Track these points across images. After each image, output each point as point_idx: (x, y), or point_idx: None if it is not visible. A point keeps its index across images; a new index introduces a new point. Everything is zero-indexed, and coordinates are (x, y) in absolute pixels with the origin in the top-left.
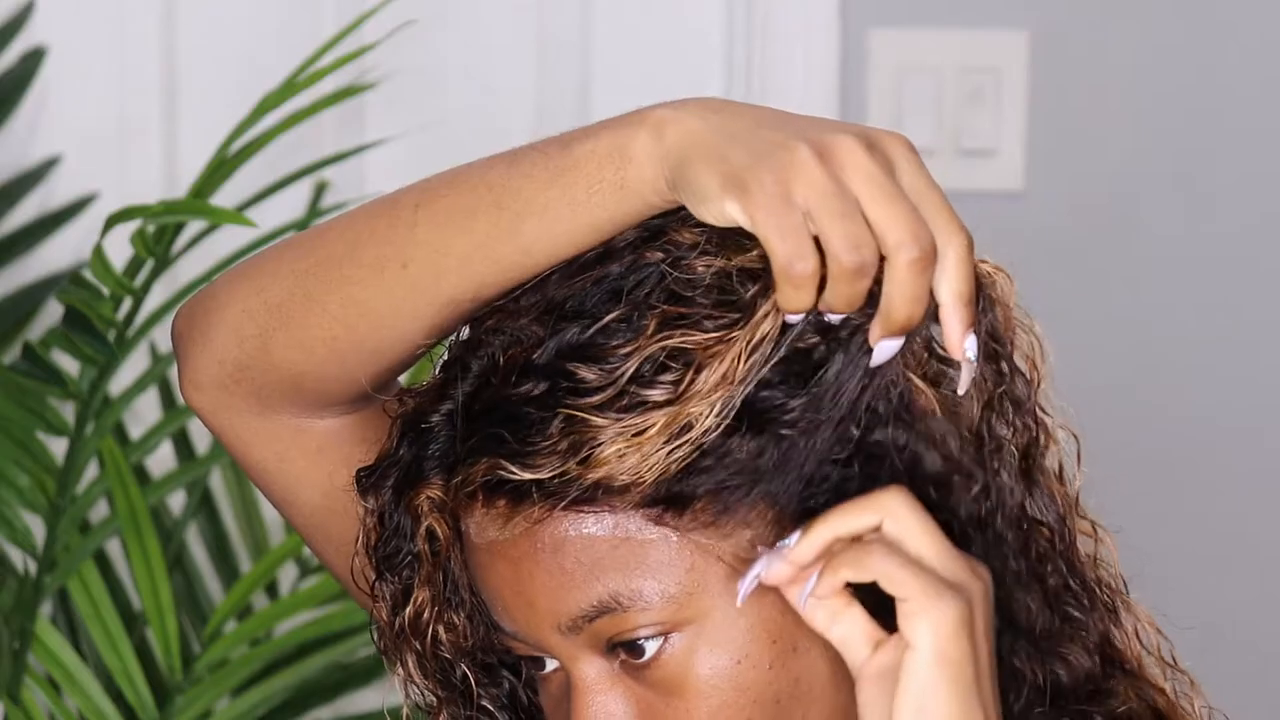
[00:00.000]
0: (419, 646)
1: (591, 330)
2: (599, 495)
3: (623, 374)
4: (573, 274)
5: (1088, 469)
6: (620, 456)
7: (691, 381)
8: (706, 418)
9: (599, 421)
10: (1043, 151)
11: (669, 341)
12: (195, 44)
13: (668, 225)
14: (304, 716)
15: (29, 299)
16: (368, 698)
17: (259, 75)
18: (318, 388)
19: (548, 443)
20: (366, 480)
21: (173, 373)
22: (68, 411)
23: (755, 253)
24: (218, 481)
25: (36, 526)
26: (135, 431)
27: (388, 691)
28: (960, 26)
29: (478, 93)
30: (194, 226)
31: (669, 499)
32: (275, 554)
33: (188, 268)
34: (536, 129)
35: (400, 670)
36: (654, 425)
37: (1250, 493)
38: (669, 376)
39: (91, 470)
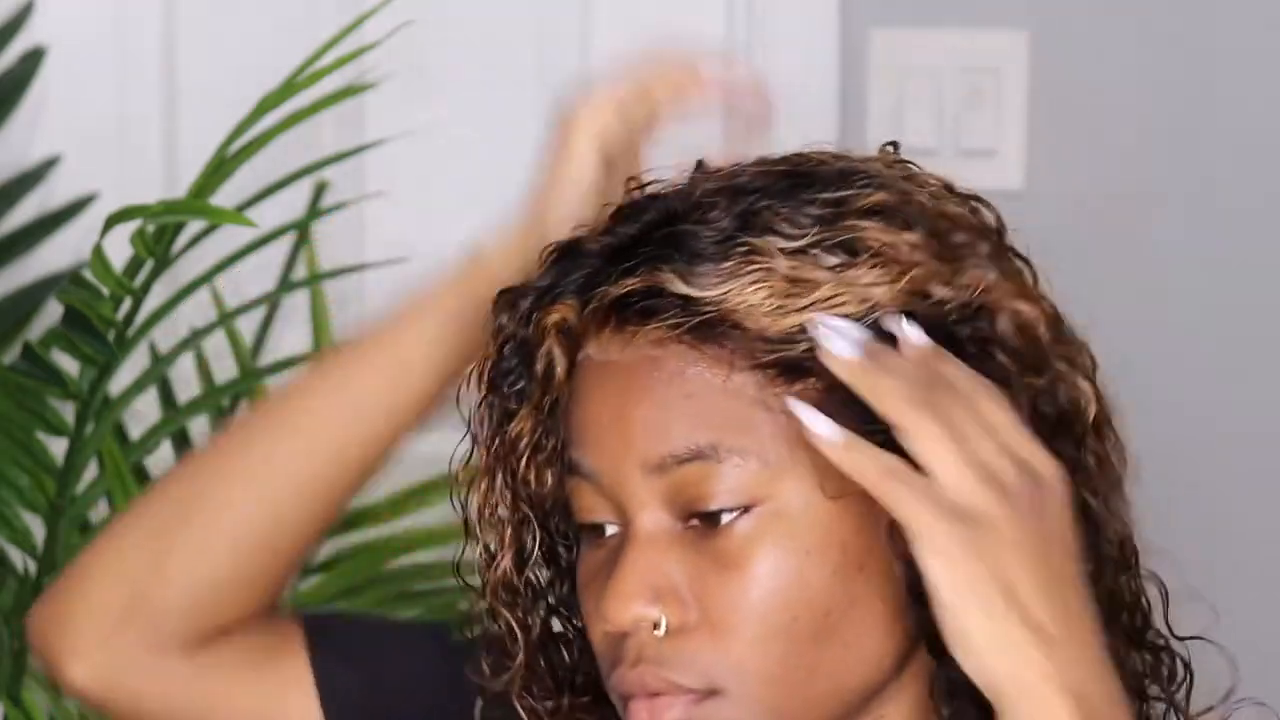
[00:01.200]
0: (511, 467)
1: (796, 197)
2: (731, 334)
3: (813, 234)
4: (755, 169)
5: None
6: (770, 299)
7: (861, 272)
8: (852, 305)
9: (774, 262)
10: (1043, 151)
11: (862, 230)
12: (195, 44)
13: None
14: None
15: (29, 299)
16: None
17: (259, 75)
18: (217, 600)
19: (717, 266)
20: (504, 297)
21: (172, 372)
22: (68, 411)
23: (955, 206)
24: None
25: (36, 526)
26: (135, 431)
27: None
28: (960, 26)
29: (478, 93)
30: (194, 226)
31: (786, 365)
32: None
33: (188, 268)
34: (536, 129)
35: (479, 501)
36: (816, 285)
37: (1252, 493)
38: (844, 256)
39: (91, 470)
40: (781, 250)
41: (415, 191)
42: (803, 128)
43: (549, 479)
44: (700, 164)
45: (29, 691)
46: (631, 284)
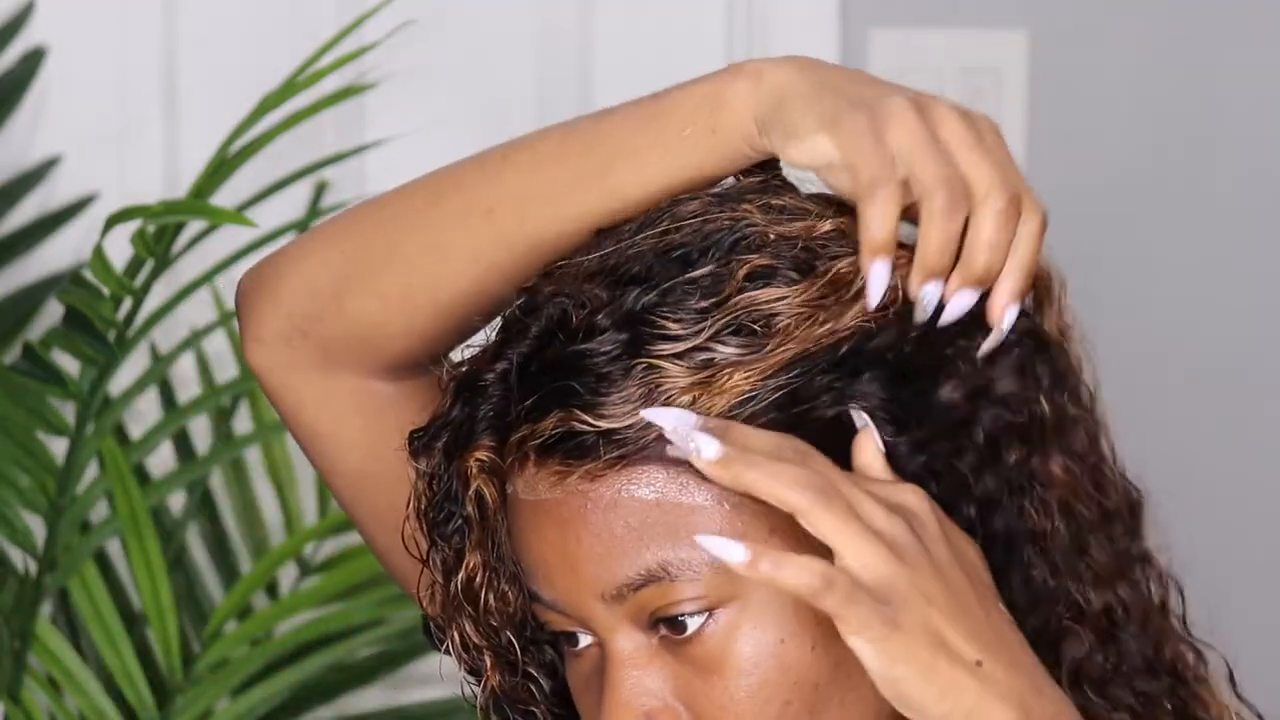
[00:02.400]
0: (472, 613)
1: (674, 282)
2: (654, 451)
3: (704, 327)
4: (628, 238)
5: None
6: (692, 406)
7: (770, 348)
8: (777, 387)
9: (675, 370)
10: (1043, 151)
11: (755, 298)
12: (195, 44)
13: (731, 194)
14: (304, 716)
15: (29, 299)
16: (368, 698)
17: (259, 75)
18: (385, 344)
19: (621, 393)
20: (418, 441)
21: (172, 372)
22: (68, 411)
23: (830, 223)
24: (218, 481)
25: (37, 526)
26: (135, 431)
27: (443, 678)
28: (960, 26)
29: (478, 93)
30: (194, 226)
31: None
32: (275, 554)
33: (188, 268)
34: (537, 128)
35: (455, 640)
36: (729, 381)
37: (1252, 490)
38: (747, 338)
39: (91, 470)
40: (678, 356)
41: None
42: None
43: (512, 598)
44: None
45: (29, 691)
46: (544, 426)
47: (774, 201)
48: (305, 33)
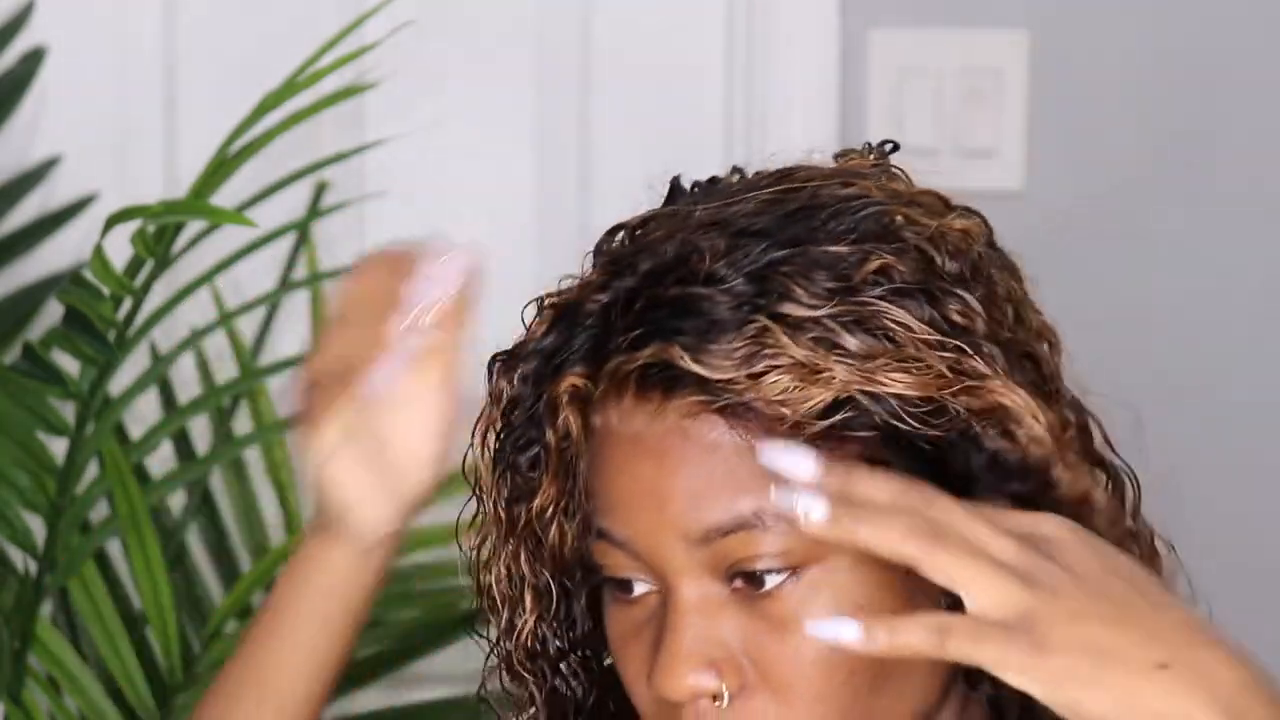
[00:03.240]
0: (531, 545)
1: (804, 247)
2: (754, 409)
3: (828, 307)
4: (740, 194)
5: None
6: (785, 390)
7: (888, 366)
8: (874, 397)
9: (788, 342)
10: (1043, 151)
11: (885, 308)
12: (195, 44)
13: (846, 170)
14: None
15: (29, 299)
16: (368, 698)
17: (259, 75)
18: None
19: (730, 344)
20: (501, 363)
21: (173, 372)
22: (68, 411)
23: (959, 222)
24: (218, 481)
25: (37, 526)
26: (135, 431)
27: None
28: (960, 26)
29: (478, 93)
30: (194, 226)
31: (827, 427)
32: (275, 554)
33: (188, 268)
34: (537, 128)
35: (500, 574)
36: (833, 376)
37: (1254, 491)
38: (868, 340)
39: (92, 470)
40: (797, 327)
41: (415, 191)
42: (803, 128)
43: (570, 539)
44: (676, 184)
45: (29, 691)
46: (644, 357)
47: (891, 185)
48: (305, 33)
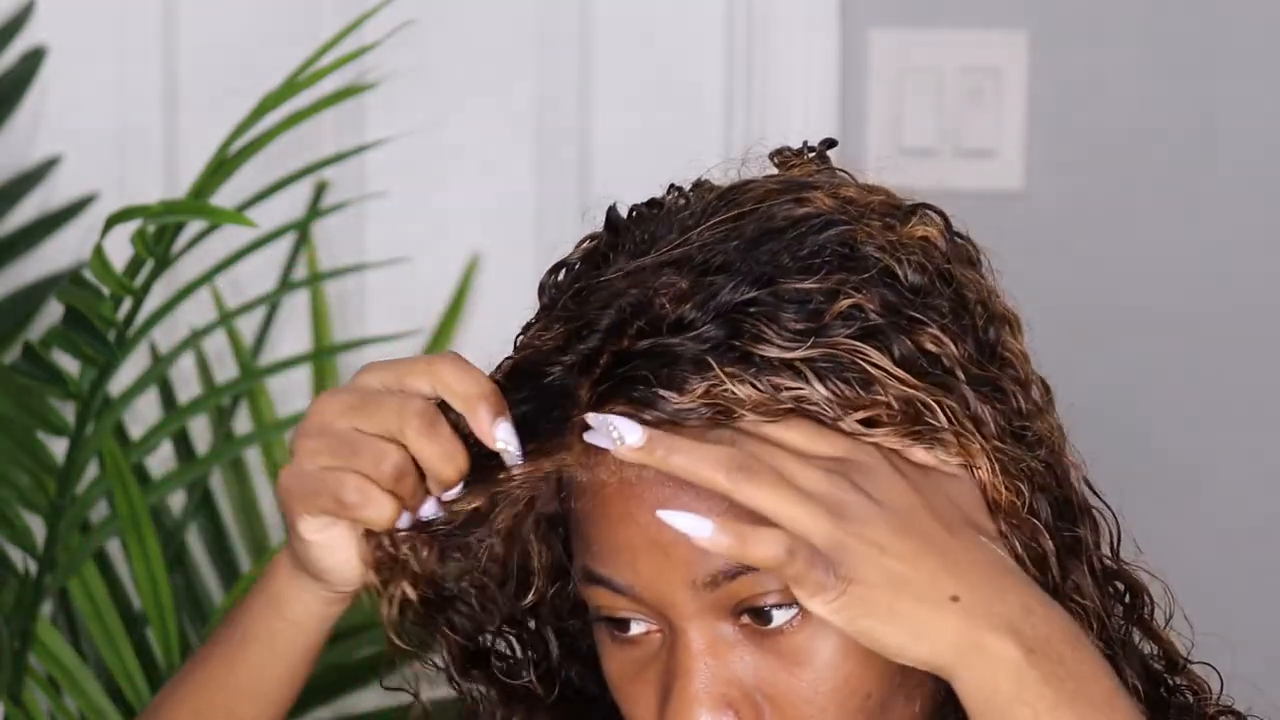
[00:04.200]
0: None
1: (772, 287)
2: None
3: (799, 347)
4: (694, 226)
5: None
6: (758, 403)
7: (857, 410)
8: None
9: (763, 390)
10: (1043, 151)
11: (857, 352)
12: (195, 44)
13: (796, 183)
14: (304, 716)
15: (29, 299)
16: (368, 698)
17: (259, 75)
18: None
19: (704, 389)
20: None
21: (173, 372)
22: (68, 411)
23: (920, 230)
24: (218, 481)
25: (37, 526)
26: (135, 431)
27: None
28: (960, 26)
29: (478, 93)
30: (194, 226)
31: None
32: (275, 554)
33: (188, 268)
34: (536, 128)
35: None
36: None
37: (1252, 492)
38: (841, 385)
39: (92, 470)
40: (768, 369)
41: (415, 191)
42: (803, 128)
43: (545, 588)
44: (613, 215)
45: (29, 691)
46: (620, 412)
47: (841, 191)
48: (305, 33)
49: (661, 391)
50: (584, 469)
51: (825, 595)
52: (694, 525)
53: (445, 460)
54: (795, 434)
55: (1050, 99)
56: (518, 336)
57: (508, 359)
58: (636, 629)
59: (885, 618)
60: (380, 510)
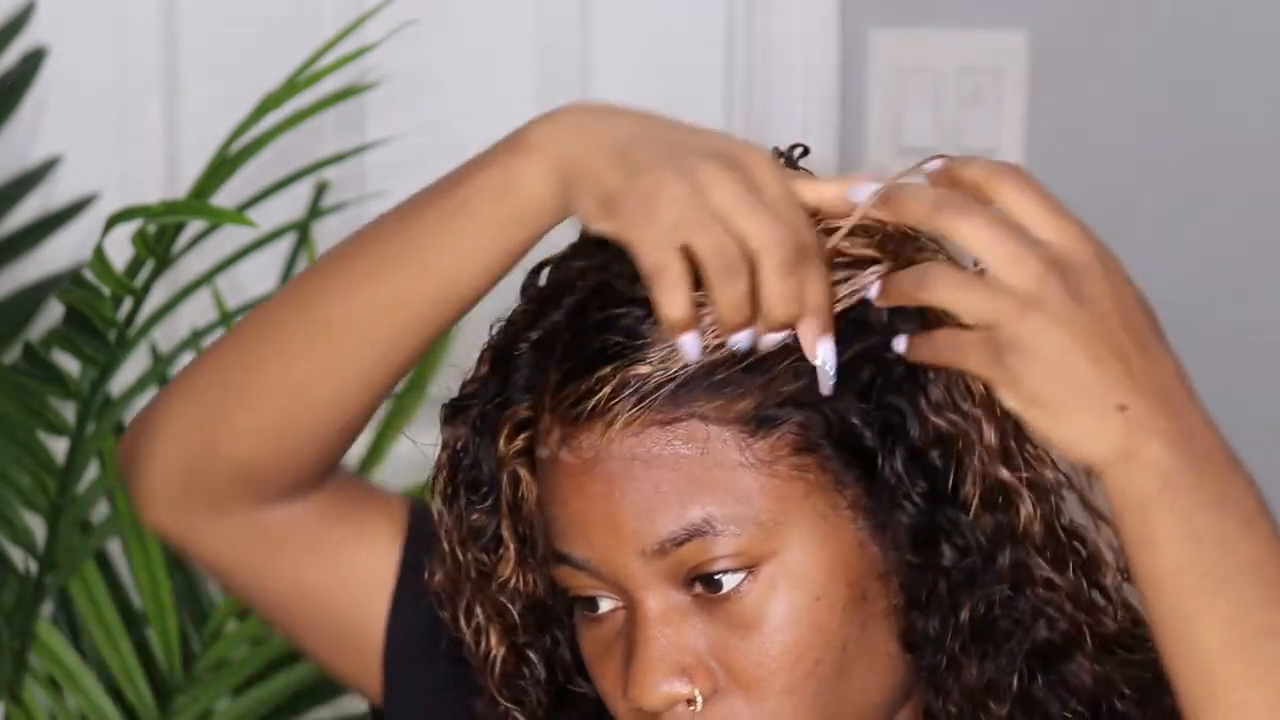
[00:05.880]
0: (493, 578)
1: None
2: (696, 397)
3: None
4: None
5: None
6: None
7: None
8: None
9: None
10: (1043, 151)
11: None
12: (195, 44)
13: None
14: (304, 716)
15: (29, 299)
16: None
17: (259, 75)
18: (267, 475)
19: (660, 345)
20: (446, 411)
21: (173, 372)
22: (68, 411)
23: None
24: None
25: (37, 526)
26: None
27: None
28: (960, 26)
29: (478, 93)
30: (194, 226)
31: (759, 420)
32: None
33: (188, 268)
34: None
35: (462, 614)
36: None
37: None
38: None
39: (92, 470)
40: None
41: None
42: (803, 128)
43: (531, 579)
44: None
45: (29, 691)
46: (582, 386)
47: None
48: (305, 33)
49: (623, 355)
50: (544, 446)
51: (994, 382)
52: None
53: (786, 302)
54: (1030, 204)
55: (1050, 99)
56: (493, 324)
57: (486, 346)
58: (605, 606)
59: (1055, 413)
60: (674, 302)
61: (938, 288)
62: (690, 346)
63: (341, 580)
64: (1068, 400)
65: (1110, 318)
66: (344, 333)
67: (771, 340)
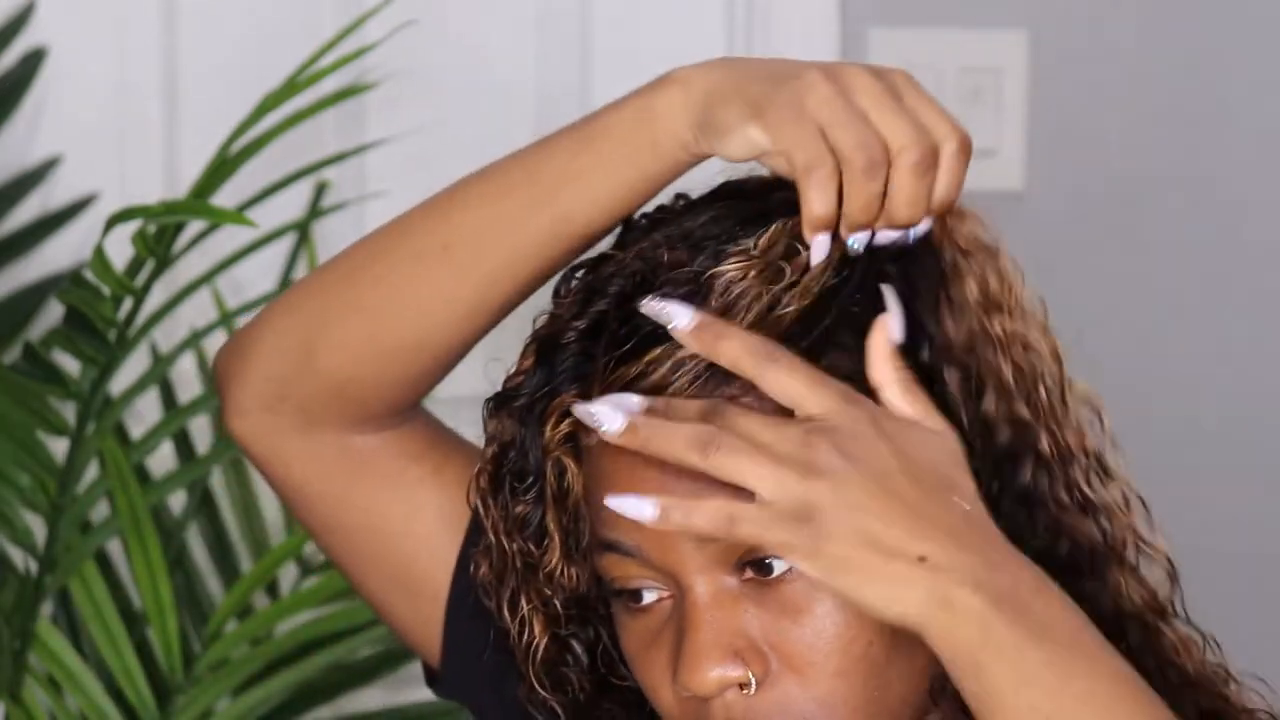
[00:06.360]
0: (540, 570)
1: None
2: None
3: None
4: (696, 214)
5: None
6: (757, 290)
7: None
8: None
9: (744, 264)
10: (1043, 151)
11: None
12: (195, 44)
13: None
14: (304, 716)
15: (29, 299)
16: (368, 697)
17: (259, 75)
18: (360, 394)
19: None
20: (494, 405)
21: (173, 372)
22: (68, 411)
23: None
24: (218, 481)
25: (37, 526)
26: (136, 431)
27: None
28: (960, 26)
29: (478, 93)
30: (194, 226)
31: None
32: (275, 554)
33: (188, 268)
34: (536, 129)
35: (505, 602)
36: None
37: (1252, 490)
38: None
39: (92, 470)
40: (746, 254)
41: (415, 191)
42: None
43: (574, 573)
44: (627, 219)
45: (29, 691)
46: (632, 369)
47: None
48: (305, 33)
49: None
50: (592, 433)
51: (794, 554)
52: (638, 509)
53: (914, 203)
54: (792, 382)
55: (1050, 99)
56: (535, 319)
57: (533, 336)
58: (649, 597)
59: (861, 576)
60: (824, 198)
61: (726, 463)
62: (823, 247)
63: (413, 520)
64: (868, 560)
65: (891, 475)
66: (457, 252)
67: (886, 239)
